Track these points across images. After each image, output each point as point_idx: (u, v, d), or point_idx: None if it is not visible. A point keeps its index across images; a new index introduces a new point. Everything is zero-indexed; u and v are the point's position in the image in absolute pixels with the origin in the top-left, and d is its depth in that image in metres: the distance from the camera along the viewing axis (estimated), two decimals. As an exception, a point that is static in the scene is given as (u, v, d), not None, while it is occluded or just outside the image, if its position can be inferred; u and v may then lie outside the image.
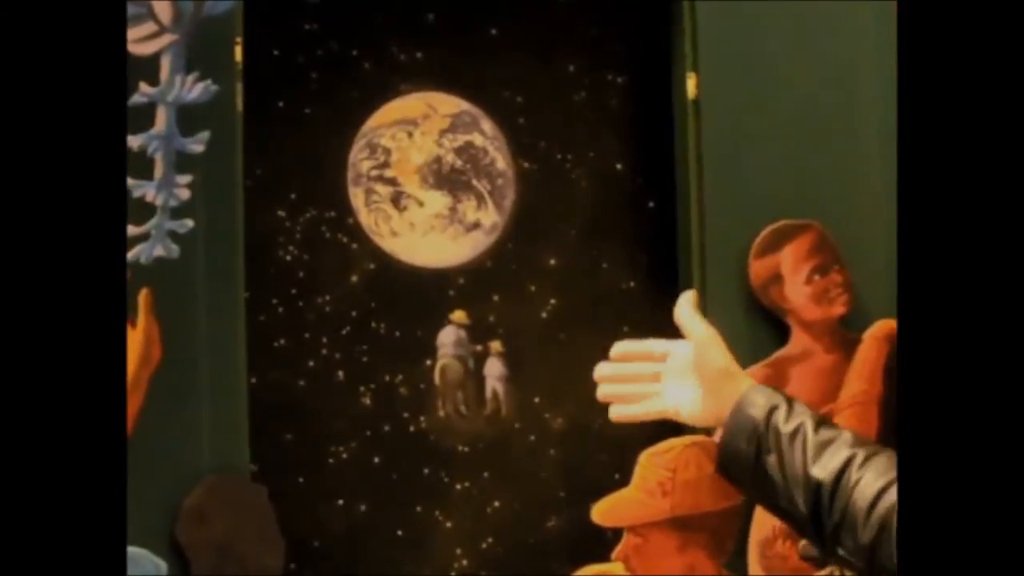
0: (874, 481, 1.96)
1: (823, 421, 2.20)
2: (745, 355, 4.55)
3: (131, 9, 3.64)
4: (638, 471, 3.41)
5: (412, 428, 4.68)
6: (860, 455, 2.00)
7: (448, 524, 4.67)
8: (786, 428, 2.18)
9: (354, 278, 4.67)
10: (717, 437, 2.32)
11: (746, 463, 2.21)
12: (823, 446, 2.11)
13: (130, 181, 3.87)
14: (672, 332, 4.80)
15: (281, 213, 4.62)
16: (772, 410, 2.25)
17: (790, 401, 2.27)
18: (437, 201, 4.72)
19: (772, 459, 2.16)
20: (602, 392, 2.36)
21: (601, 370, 2.36)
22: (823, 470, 2.07)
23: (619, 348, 2.40)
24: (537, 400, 4.75)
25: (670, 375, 2.56)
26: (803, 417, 2.21)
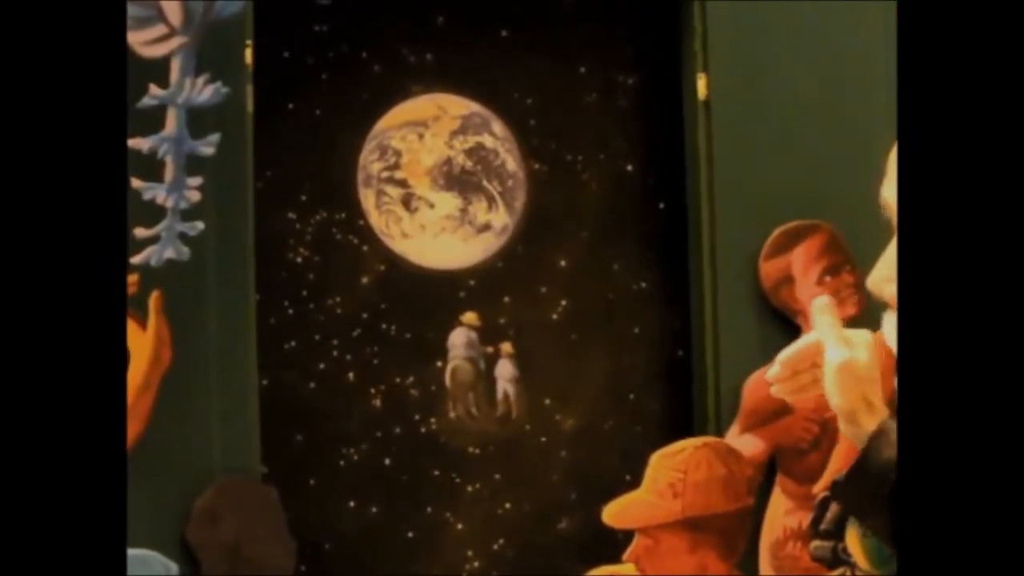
0: None
1: None
2: (756, 356, 4.56)
3: (141, 12, 3.65)
4: (649, 473, 3.40)
5: (423, 430, 4.68)
6: None
7: (459, 525, 4.67)
8: None
9: (365, 280, 4.67)
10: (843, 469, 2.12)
11: (871, 501, 2.02)
12: None
13: (140, 184, 3.88)
14: (681, 333, 4.80)
15: (291, 215, 4.62)
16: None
17: None
18: (448, 203, 4.72)
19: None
20: (777, 390, 2.11)
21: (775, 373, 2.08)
22: None
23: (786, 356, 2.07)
24: (548, 402, 4.74)
25: None
26: None
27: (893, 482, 1.99)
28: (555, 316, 4.75)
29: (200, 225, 3.73)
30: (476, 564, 4.67)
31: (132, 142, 3.74)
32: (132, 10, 3.62)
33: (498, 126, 4.76)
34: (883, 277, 1.71)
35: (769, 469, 4.44)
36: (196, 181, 3.76)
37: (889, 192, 1.70)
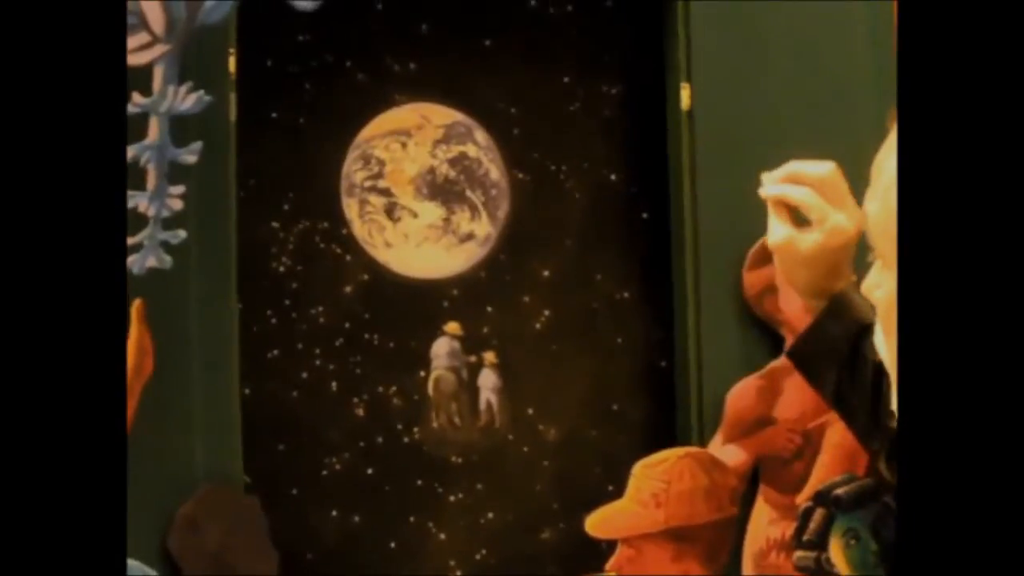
0: None
1: None
2: (739, 366, 4.56)
3: (124, 19, 3.63)
4: (632, 482, 3.40)
5: (406, 439, 4.67)
6: None
7: (442, 535, 4.66)
8: (873, 357, 1.97)
9: (347, 289, 4.67)
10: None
11: (825, 363, 2.07)
12: None
13: (123, 191, 3.86)
14: (664, 343, 4.80)
15: (274, 224, 4.61)
16: (861, 333, 2.03)
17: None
18: (431, 212, 4.72)
19: (855, 381, 2.04)
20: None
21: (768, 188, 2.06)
22: None
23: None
24: (531, 411, 4.74)
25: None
26: None
27: (846, 351, 2.02)
28: (538, 326, 4.75)
29: (182, 234, 3.71)
30: (459, 573, 4.66)
31: (115, 150, 3.72)
32: (115, 18, 3.60)
33: (481, 135, 4.76)
34: (875, 283, 1.72)
35: (752, 479, 4.44)
36: (179, 189, 3.74)
37: (873, 206, 1.71)
